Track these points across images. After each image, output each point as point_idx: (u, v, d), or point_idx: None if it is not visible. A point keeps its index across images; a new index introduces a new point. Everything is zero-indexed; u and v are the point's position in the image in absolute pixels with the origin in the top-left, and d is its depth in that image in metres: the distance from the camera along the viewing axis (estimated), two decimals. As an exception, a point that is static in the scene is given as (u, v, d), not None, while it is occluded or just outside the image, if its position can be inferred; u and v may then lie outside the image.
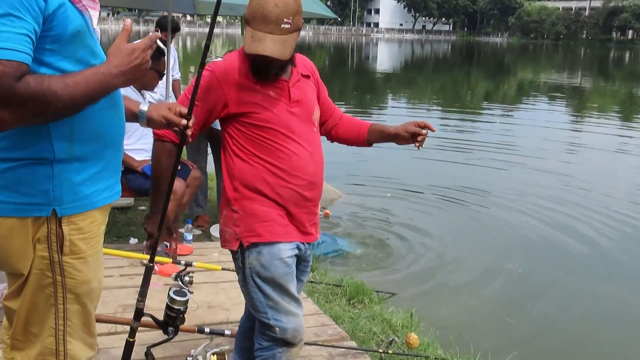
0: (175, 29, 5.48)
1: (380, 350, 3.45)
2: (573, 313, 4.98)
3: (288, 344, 2.35)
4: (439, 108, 18.62)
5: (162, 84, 5.58)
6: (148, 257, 4.13)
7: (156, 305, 3.74)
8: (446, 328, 4.24)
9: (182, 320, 2.37)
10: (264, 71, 2.23)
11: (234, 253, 2.37)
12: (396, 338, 3.70)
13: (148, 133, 4.37)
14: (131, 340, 2.30)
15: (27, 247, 1.64)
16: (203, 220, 5.36)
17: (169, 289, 2.38)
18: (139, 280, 4.03)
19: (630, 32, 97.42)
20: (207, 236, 5.19)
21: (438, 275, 5.42)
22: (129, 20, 1.73)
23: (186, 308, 2.36)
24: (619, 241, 6.64)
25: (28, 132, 1.56)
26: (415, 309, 4.34)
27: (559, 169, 10.07)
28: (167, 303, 2.34)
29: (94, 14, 1.71)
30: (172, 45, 6.27)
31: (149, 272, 2.34)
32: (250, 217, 2.28)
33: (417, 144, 2.45)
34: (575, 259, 6.14)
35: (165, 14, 6.10)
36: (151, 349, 2.39)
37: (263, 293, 2.29)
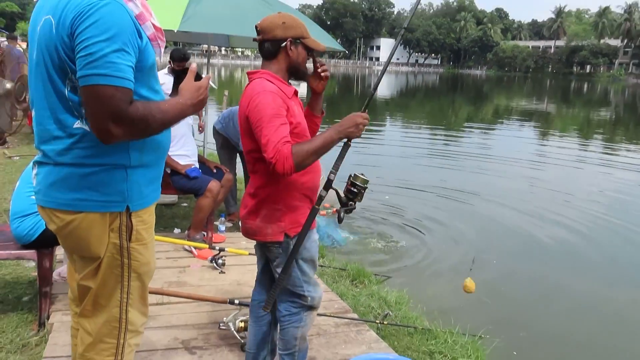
0: (184, 58, 5.62)
1: (377, 321, 3.47)
2: (540, 294, 4.94)
3: (312, 308, 2.41)
4: (429, 126, 18.60)
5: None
6: (190, 243, 4.23)
7: (195, 282, 3.81)
8: (432, 305, 4.24)
9: (361, 198, 2.27)
10: (303, 75, 2.30)
11: (274, 244, 2.29)
12: (390, 312, 3.71)
13: (189, 141, 4.44)
14: (316, 207, 2.23)
15: (104, 236, 1.68)
16: (234, 215, 5.40)
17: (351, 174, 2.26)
18: (181, 262, 4.16)
19: (588, 66, 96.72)
20: (237, 228, 5.23)
21: (427, 263, 5.39)
22: (194, 65, 1.80)
23: (366, 188, 2.25)
24: (582, 232, 6.65)
25: (113, 145, 1.60)
26: (406, 289, 4.36)
27: (529, 175, 10.22)
28: (350, 181, 2.24)
29: (162, 51, 1.78)
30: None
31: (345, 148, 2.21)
32: (293, 212, 2.27)
33: (324, 75, 2.34)
34: (545, 249, 6.10)
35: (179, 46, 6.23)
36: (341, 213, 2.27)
37: (301, 271, 2.33)
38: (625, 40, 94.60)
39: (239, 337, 2.97)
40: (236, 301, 3.17)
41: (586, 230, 6.92)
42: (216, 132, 5.34)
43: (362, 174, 2.26)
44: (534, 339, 4.02)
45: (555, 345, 4.00)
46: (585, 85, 68.66)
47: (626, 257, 6.06)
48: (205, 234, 4.46)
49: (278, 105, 2.11)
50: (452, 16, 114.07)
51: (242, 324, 3.00)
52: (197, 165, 4.44)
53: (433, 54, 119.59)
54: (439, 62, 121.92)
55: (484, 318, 4.07)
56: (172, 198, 5.74)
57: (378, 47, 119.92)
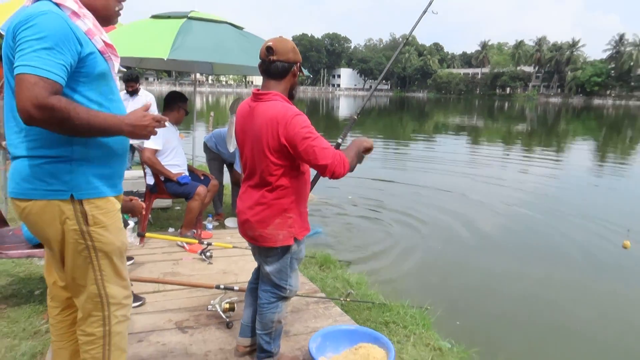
0: (135, 80, 5.78)
1: (341, 299, 3.44)
2: (478, 274, 4.93)
3: (287, 298, 2.37)
4: (382, 138, 18.79)
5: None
6: (182, 239, 4.12)
7: (187, 272, 3.72)
8: (386, 284, 4.23)
9: None
10: (294, 97, 2.21)
11: (280, 247, 2.19)
12: (352, 291, 3.69)
13: (180, 152, 4.35)
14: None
15: (54, 222, 1.63)
16: (220, 215, 5.31)
17: None
18: (175, 256, 4.05)
19: (508, 89, 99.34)
20: (222, 226, 5.14)
21: (382, 250, 5.37)
22: (149, 102, 1.80)
23: None
24: (508, 223, 6.74)
25: (55, 137, 1.56)
26: (365, 272, 4.35)
27: (465, 173, 10.42)
28: None
29: (116, 64, 1.74)
30: (143, 91, 6.30)
31: None
32: (301, 218, 2.22)
33: None
34: (485, 234, 6.15)
35: (173, 74, 6.20)
36: None
37: (292, 268, 2.28)
38: (537, 67, 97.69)
39: (224, 317, 2.90)
40: (222, 286, 3.10)
41: (513, 216, 7.11)
42: (207, 147, 5.28)
43: None
44: (472, 310, 4.04)
45: (489, 315, 4.03)
46: (506, 104, 70.29)
47: (543, 239, 6.15)
48: (195, 231, 4.37)
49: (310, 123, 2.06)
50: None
51: (227, 305, 2.93)
52: (187, 174, 4.35)
53: (384, 81, 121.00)
54: (389, 87, 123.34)
55: (430, 293, 4.07)
56: (166, 202, 5.62)
57: (339, 76, 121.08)
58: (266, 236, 2.16)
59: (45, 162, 1.59)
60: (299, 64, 2.15)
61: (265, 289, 2.33)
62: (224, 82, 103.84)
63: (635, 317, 4.10)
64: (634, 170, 12.45)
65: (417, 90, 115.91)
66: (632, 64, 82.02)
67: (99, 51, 1.64)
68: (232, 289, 3.09)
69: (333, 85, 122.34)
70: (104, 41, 1.67)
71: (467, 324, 3.67)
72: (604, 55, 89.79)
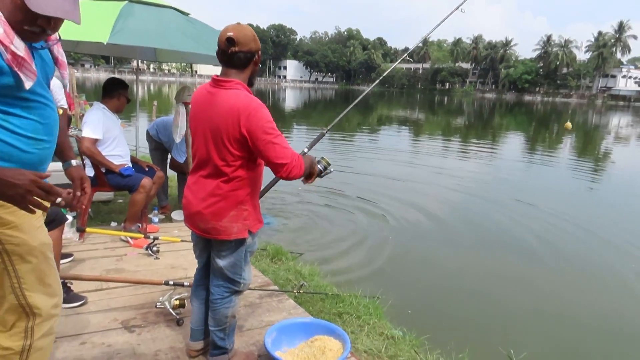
0: None
1: (295, 291, 3.39)
2: (426, 262, 5.07)
3: (241, 292, 2.28)
4: (328, 131, 18.87)
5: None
6: (126, 234, 3.90)
7: (132, 269, 3.52)
8: (339, 275, 4.24)
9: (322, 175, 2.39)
10: (252, 85, 2.11)
11: (234, 241, 2.10)
12: (305, 282, 3.64)
13: (122, 142, 4.09)
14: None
15: None
16: (166, 208, 5.09)
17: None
18: (119, 251, 3.83)
19: (447, 84, 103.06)
20: (168, 219, 4.92)
21: (334, 240, 5.37)
22: (50, 187, 1.41)
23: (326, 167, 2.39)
24: (457, 211, 6.91)
25: None
26: (317, 263, 4.32)
27: (409, 163, 10.80)
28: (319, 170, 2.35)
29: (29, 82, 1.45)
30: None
31: None
32: (255, 211, 2.14)
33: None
34: (435, 226, 6.24)
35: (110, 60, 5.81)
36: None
37: (245, 261, 2.19)
38: (474, 64, 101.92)
39: (174, 314, 2.77)
40: (171, 282, 2.95)
41: (461, 203, 7.45)
42: (150, 137, 5.04)
43: (325, 158, 2.37)
44: (422, 299, 4.13)
45: (439, 303, 4.13)
46: (446, 99, 72.93)
47: (490, 226, 6.40)
48: (140, 225, 4.15)
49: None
50: (344, 43, 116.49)
51: (177, 302, 2.80)
52: (130, 165, 4.10)
53: (329, 73, 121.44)
54: (335, 80, 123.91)
55: (382, 282, 4.12)
56: (108, 195, 5.30)
57: (285, 67, 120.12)
58: (220, 229, 2.06)
59: None
60: (259, 52, 2.06)
61: (218, 283, 2.23)
62: (166, 71, 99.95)
63: (578, 305, 4.36)
64: (560, 159, 13.37)
65: (362, 83, 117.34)
66: (558, 63, 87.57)
67: (4, 64, 1.38)
68: (182, 285, 2.95)
69: (279, 76, 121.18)
70: (13, 53, 1.38)
71: (418, 313, 3.75)
72: (534, 55, 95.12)
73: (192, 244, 3.81)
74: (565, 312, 4.05)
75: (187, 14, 4.23)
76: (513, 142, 18.44)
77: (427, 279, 4.58)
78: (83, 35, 3.20)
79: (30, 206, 1.36)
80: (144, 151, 6.71)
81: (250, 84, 2.08)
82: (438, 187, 8.60)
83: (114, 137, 3.94)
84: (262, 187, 2.34)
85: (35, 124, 1.52)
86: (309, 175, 2.28)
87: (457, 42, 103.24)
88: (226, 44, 1.96)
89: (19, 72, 1.41)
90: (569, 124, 5.08)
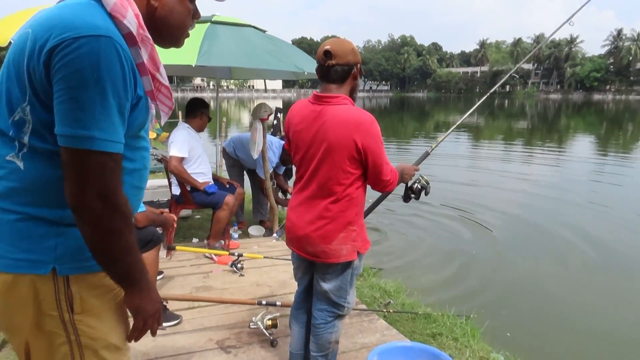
0: None
1: (384, 310, 3.26)
2: (517, 280, 4.75)
3: (344, 316, 2.19)
4: (383, 138, 18.69)
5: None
6: (211, 251, 3.95)
7: (219, 286, 3.54)
8: (425, 291, 4.05)
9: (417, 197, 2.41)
10: (355, 99, 2.08)
11: (341, 263, 1.99)
12: (391, 300, 3.51)
13: (204, 160, 4.17)
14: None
15: (24, 305, 1.08)
16: (242, 224, 5.14)
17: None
18: (204, 268, 3.87)
19: (508, 86, 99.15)
20: (246, 234, 4.97)
21: (414, 253, 5.20)
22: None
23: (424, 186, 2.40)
24: (538, 219, 6.51)
25: (52, 188, 1.06)
26: (399, 278, 4.16)
27: (472, 169, 10.44)
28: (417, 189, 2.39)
29: (164, 115, 1.27)
30: None
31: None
32: (363, 231, 2.06)
33: None
34: (516, 236, 5.87)
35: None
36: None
37: (351, 284, 2.11)
38: (536, 65, 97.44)
39: (267, 334, 2.73)
40: (264, 302, 2.92)
41: (542, 212, 7.03)
42: (226, 154, 5.13)
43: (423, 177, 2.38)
44: (518, 318, 3.85)
45: (539, 324, 3.81)
46: (507, 102, 70.09)
47: (586, 234, 5.90)
48: (223, 242, 4.20)
49: None
50: (397, 50, 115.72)
51: (270, 322, 2.76)
52: (213, 182, 4.17)
53: (383, 81, 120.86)
54: (389, 88, 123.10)
55: (472, 302, 3.89)
56: (187, 212, 5.44)
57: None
58: (330, 252, 1.97)
59: (22, 219, 1.06)
60: (359, 65, 1.99)
61: (322, 307, 2.14)
62: (225, 87, 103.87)
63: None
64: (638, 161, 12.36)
65: (417, 90, 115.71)
66: (630, 58, 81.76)
67: (144, 96, 1.13)
68: (274, 305, 2.91)
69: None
70: (159, 81, 1.16)
71: (518, 335, 3.48)
72: (602, 51, 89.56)
73: (273, 260, 3.81)
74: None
75: (264, 31, 4.27)
76: (582, 146, 17.29)
77: (522, 297, 4.26)
78: (171, 59, 3.29)
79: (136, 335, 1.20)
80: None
81: (352, 99, 2.02)
82: (516, 193, 8.16)
83: (198, 156, 4.03)
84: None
85: (143, 171, 1.24)
86: (406, 196, 2.37)
87: (518, 42, 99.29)
88: (323, 57, 1.92)
89: (159, 106, 1.21)
90: None
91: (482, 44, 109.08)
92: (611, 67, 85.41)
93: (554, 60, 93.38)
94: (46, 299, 1.08)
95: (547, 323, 3.79)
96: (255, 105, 4.62)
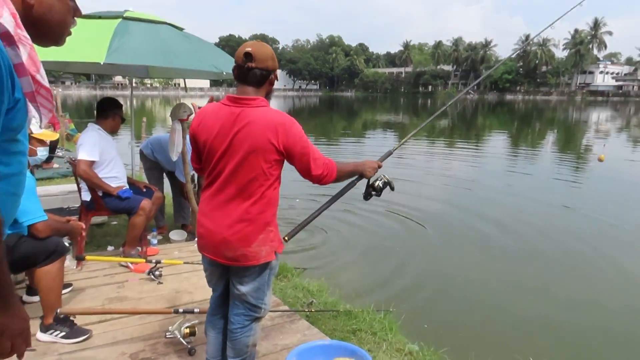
0: None
1: (306, 310, 3.29)
2: (431, 270, 4.97)
3: (261, 319, 2.19)
4: (314, 138, 18.81)
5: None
6: (127, 259, 3.76)
7: (135, 295, 3.38)
8: (347, 289, 4.13)
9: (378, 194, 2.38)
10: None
11: (259, 265, 1.99)
12: (314, 300, 3.55)
13: (118, 164, 3.96)
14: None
15: None
16: (163, 228, 4.95)
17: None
18: (119, 277, 3.68)
19: (430, 86, 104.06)
20: (166, 240, 4.78)
21: (337, 252, 5.27)
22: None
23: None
24: (458, 215, 6.87)
25: None
26: (322, 278, 4.22)
27: (396, 164, 10.66)
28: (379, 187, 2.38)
29: (44, 117, 1.17)
30: None
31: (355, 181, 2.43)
32: (277, 231, 2.07)
33: None
34: (438, 232, 6.08)
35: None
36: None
37: (268, 285, 2.11)
38: (455, 66, 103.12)
39: (185, 343, 2.65)
40: (180, 309, 2.82)
41: (449, 205, 7.42)
42: (144, 156, 4.91)
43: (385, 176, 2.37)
44: (436, 311, 4.04)
45: (454, 314, 4.04)
46: (429, 101, 73.52)
47: (497, 230, 6.34)
48: (140, 248, 4.01)
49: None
50: (326, 50, 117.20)
51: (188, 330, 2.69)
52: (128, 186, 3.97)
53: (313, 81, 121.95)
54: (318, 87, 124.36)
55: (391, 297, 4.04)
56: (102, 218, 5.14)
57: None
58: (249, 255, 1.96)
59: None
60: (275, 72, 2.01)
61: (238, 312, 2.12)
62: (148, 85, 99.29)
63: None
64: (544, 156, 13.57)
65: (345, 89, 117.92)
66: (537, 62, 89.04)
67: (23, 97, 1.06)
68: (192, 312, 2.83)
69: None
70: (39, 82, 1.09)
71: (434, 326, 3.66)
72: (514, 54, 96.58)
73: (194, 266, 3.70)
74: (581, 319, 4.00)
75: (181, 29, 4.13)
76: (497, 142, 18.63)
77: (438, 289, 4.49)
78: (78, 55, 3.08)
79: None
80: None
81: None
82: (434, 188, 8.60)
83: (110, 159, 3.81)
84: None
85: (20, 176, 1.15)
86: (367, 193, 2.39)
87: (438, 45, 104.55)
88: (244, 58, 1.91)
89: (39, 108, 1.12)
90: (602, 156, 5.35)
91: (406, 46, 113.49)
92: (521, 69, 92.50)
93: (471, 62, 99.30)
94: None
95: (464, 312, 4.03)
96: (174, 105, 4.47)
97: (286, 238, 2.04)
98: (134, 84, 5.98)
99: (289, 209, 6.85)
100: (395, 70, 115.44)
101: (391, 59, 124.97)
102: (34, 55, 1.07)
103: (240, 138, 1.89)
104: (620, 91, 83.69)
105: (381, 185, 2.34)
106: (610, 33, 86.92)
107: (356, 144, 16.55)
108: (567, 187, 9.14)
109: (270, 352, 2.69)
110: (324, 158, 2.05)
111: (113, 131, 3.96)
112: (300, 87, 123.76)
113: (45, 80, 1.12)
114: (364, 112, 42.56)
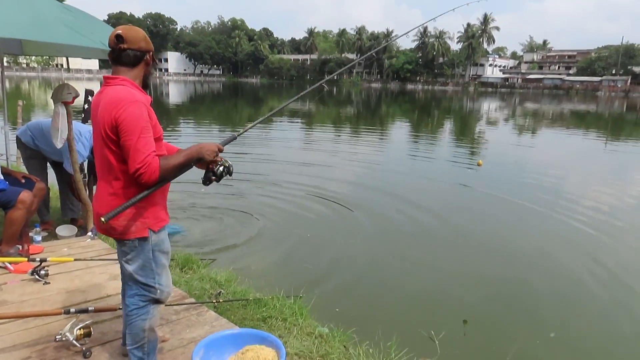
0: None
1: (213, 301, 3.24)
2: (344, 258, 5.11)
3: (160, 301, 2.18)
4: (218, 126, 18.40)
5: None
6: (4, 259, 3.40)
7: (16, 299, 3.09)
8: (257, 278, 4.14)
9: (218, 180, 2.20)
10: (148, 85, 2.14)
11: (137, 240, 2.05)
12: (222, 290, 3.51)
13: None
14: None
15: None
16: (49, 224, 4.54)
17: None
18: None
19: (335, 75, 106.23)
20: (53, 236, 4.39)
21: (247, 242, 5.24)
22: None
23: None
24: (363, 198, 7.11)
25: None
26: (232, 267, 4.17)
27: (304, 151, 10.81)
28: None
29: None
30: None
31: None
32: (155, 208, 2.08)
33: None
34: (343, 217, 6.27)
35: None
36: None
37: (156, 262, 2.11)
38: (359, 55, 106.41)
39: (79, 345, 2.47)
40: (72, 309, 2.62)
41: (367, 190, 7.77)
42: (22, 144, 4.42)
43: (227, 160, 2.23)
44: (343, 294, 4.19)
45: (361, 295, 4.22)
46: (335, 89, 75.26)
47: (385, 209, 6.71)
48: (20, 247, 3.63)
49: (146, 116, 1.93)
50: (228, 34, 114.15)
51: (81, 332, 2.50)
52: (2, 177, 3.57)
53: (215, 65, 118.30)
54: (221, 72, 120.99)
55: (301, 282, 4.10)
56: (-29, 214, 4.56)
57: (166, 60, 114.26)
58: (118, 228, 2.02)
59: None
60: (151, 53, 2.11)
61: (132, 293, 2.13)
62: (24, 65, 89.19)
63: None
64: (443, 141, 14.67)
65: (250, 75, 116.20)
66: (434, 53, 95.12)
67: None
68: (85, 311, 2.64)
69: (160, 69, 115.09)
70: None
71: (342, 308, 3.80)
72: (413, 45, 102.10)
73: (86, 262, 3.50)
74: (469, 287, 4.42)
75: (62, 1, 3.77)
76: (400, 129, 19.72)
77: (345, 272, 4.66)
78: None
79: None
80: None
81: (145, 85, 2.11)
82: (343, 171, 8.91)
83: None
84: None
85: None
86: (206, 178, 2.18)
87: (342, 33, 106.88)
88: (115, 41, 2.02)
89: None
90: (480, 161, 6.06)
91: (311, 33, 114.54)
92: (420, 60, 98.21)
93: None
94: None
95: (372, 294, 4.24)
96: (56, 86, 4.08)
97: (102, 219, 1.94)
98: (4, 63, 5.34)
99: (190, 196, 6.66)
100: (300, 57, 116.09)
101: (296, 46, 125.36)
102: None
103: (99, 116, 1.98)
104: (507, 83, 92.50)
105: (222, 169, 2.21)
106: (497, 28, 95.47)
107: (263, 130, 16.46)
108: (463, 170, 9.98)
109: (177, 347, 2.62)
110: (148, 154, 1.89)
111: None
112: (202, 71, 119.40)
113: None
114: (269, 99, 42.38)
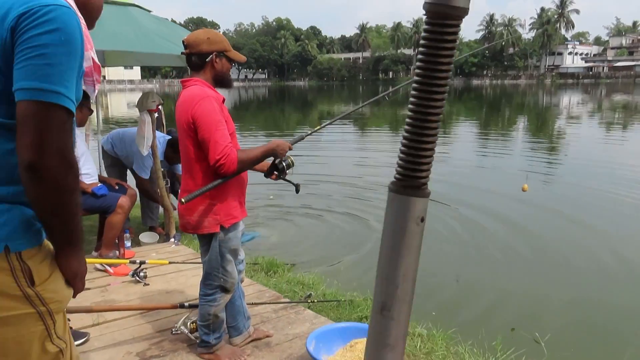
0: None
1: (308, 301, 3.56)
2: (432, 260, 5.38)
3: (226, 290, 2.54)
4: (264, 132, 19.10)
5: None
6: (105, 261, 3.90)
7: (123, 298, 3.54)
8: (341, 280, 4.42)
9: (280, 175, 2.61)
10: (228, 84, 2.49)
11: (209, 235, 2.43)
12: (312, 292, 3.82)
13: (89, 159, 4.09)
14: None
15: None
16: (131, 231, 5.06)
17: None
18: (98, 282, 3.84)
19: (391, 72, 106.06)
20: (136, 243, 4.91)
21: (329, 246, 5.58)
22: None
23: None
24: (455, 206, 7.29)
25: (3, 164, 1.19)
26: (318, 271, 4.50)
27: (357, 160, 11.41)
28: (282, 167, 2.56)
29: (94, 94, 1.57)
30: None
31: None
32: (226, 205, 2.42)
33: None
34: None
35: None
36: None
37: (222, 256, 2.46)
38: (417, 50, 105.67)
39: (193, 338, 2.85)
40: (186, 304, 3.03)
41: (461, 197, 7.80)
42: (105, 152, 5.00)
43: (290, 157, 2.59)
44: (436, 296, 4.39)
45: (456, 297, 4.43)
46: (390, 88, 74.78)
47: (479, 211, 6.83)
48: (118, 251, 4.14)
49: (219, 110, 2.29)
50: (273, 34, 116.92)
51: (194, 325, 2.89)
52: (101, 184, 4.09)
53: (260, 69, 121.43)
54: (267, 76, 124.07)
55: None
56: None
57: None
58: (193, 223, 2.39)
59: None
60: (215, 53, 2.37)
61: (203, 281, 2.55)
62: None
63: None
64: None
65: (297, 78, 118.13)
66: (503, 43, 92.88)
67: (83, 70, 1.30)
68: (197, 307, 3.02)
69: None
70: (93, 59, 1.38)
71: (440, 311, 4.01)
72: (478, 36, 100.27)
73: (177, 265, 3.98)
74: (578, 294, 4.50)
75: (149, 12, 4.28)
76: (467, 129, 19.56)
77: (434, 275, 4.85)
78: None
79: None
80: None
81: (219, 83, 2.44)
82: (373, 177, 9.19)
83: (81, 154, 3.92)
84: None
85: None
86: (269, 172, 2.59)
87: (397, 26, 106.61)
88: (184, 47, 2.41)
89: (94, 83, 1.43)
90: (525, 186, 6.03)
91: (363, 28, 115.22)
92: (487, 52, 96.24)
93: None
94: (3, 279, 1.16)
95: (466, 295, 4.42)
96: (141, 95, 4.60)
97: (182, 200, 2.32)
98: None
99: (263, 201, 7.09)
100: (352, 55, 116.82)
101: (347, 44, 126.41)
102: (88, 34, 1.33)
103: (177, 116, 2.37)
104: (591, 72, 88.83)
105: (284, 165, 2.53)
106: (577, 11, 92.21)
107: (311, 135, 16.84)
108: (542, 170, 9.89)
109: (282, 342, 2.94)
110: (225, 146, 2.25)
111: (81, 124, 4.07)
112: (246, 76, 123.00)
113: (97, 58, 1.41)
114: (319, 103, 43.03)
